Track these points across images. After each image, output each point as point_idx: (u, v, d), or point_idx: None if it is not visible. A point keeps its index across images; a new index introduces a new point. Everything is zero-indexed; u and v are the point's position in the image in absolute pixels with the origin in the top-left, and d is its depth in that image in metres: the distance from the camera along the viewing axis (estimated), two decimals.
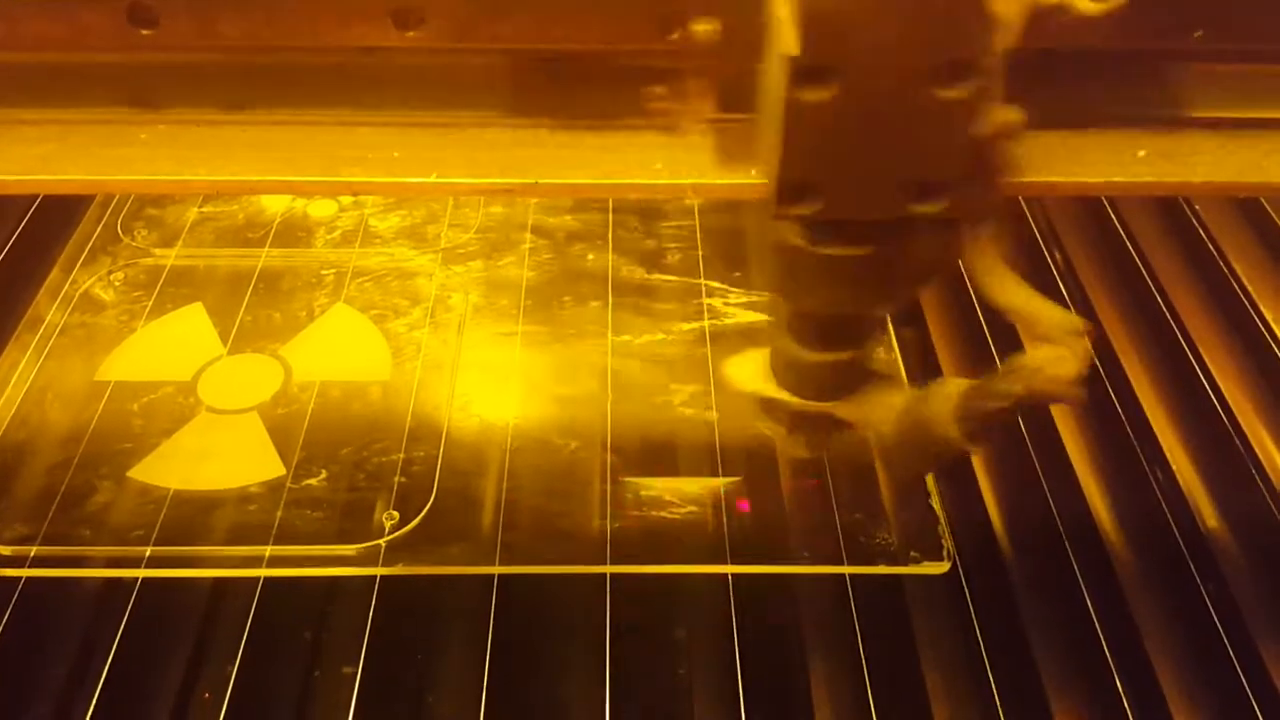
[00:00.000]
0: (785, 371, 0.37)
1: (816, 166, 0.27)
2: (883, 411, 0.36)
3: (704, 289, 0.71)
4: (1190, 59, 0.30)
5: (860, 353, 0.36)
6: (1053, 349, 0.30)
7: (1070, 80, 0.30)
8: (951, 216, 0.28)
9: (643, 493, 0.59)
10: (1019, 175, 0.30)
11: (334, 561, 0.55)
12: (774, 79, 0.26)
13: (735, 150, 0.30)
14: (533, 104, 0.31)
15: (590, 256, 0.74)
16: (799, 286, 0.33)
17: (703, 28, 0.27)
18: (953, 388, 0.33)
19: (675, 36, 0.28)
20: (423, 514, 0.57)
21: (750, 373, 0.38)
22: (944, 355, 0.67)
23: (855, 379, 0.37)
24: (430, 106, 0.31)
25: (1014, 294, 0.32)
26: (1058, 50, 0.28)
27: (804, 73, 0.25)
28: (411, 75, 0.30)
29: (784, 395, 0.38)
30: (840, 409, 0.37)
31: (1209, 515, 0.57)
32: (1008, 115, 0.26)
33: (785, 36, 0.24)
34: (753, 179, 0.29)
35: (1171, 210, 0.75)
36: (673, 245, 0.75)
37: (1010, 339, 0.67)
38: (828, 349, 0.35)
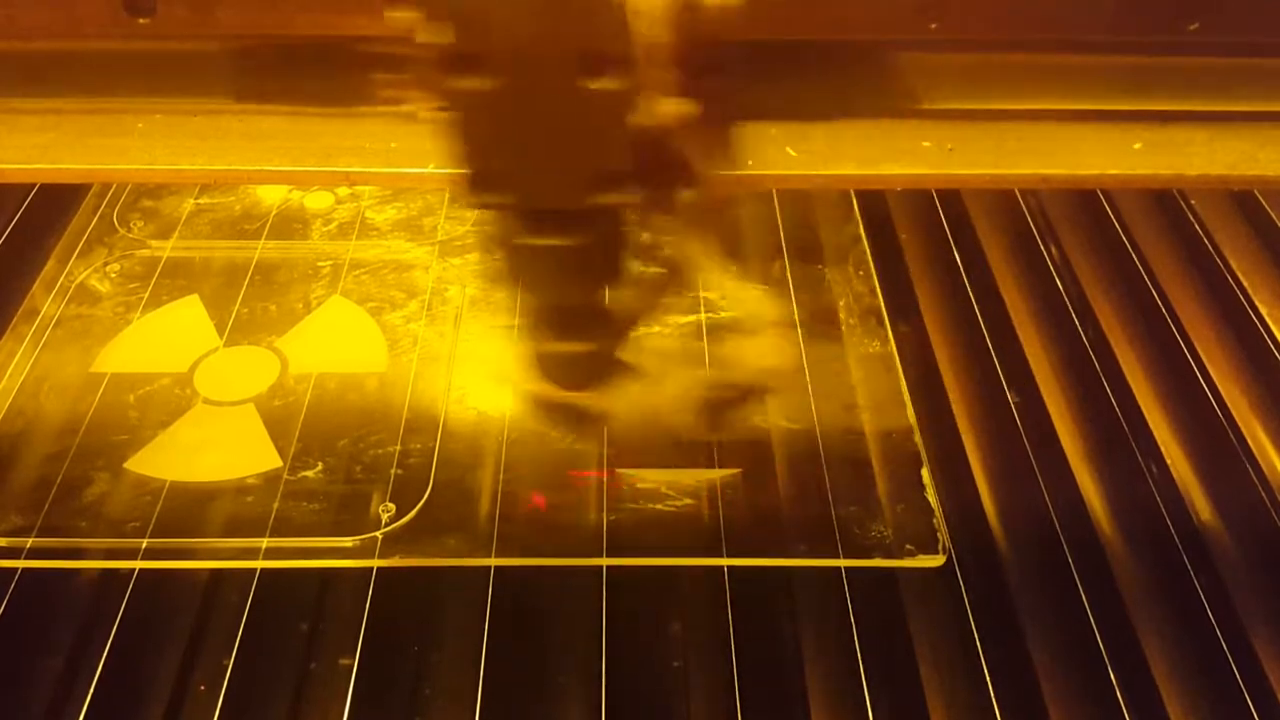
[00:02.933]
0: (538, 363, 0.38)
1: (495, 156, 0.27)
2: (623, 401, 0.37)
3: (700, 282, 0.71)
4: (1185, 52, 0.30)
5: (602, 342, 0.36)
6: (761, 339, 0.31)
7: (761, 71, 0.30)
8: (649, 206, 0.29)
9: (639, 485, 0.59)
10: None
11: (330, 553, 0.55)
12: (435, 68, 0.26)
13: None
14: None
15: None
16: (520, 278, 0.33)
17: (397, 14, 0.26)
18: (688, 379, 0.34)
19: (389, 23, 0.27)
20: (419, 506, 0.57)
21: (515, 364, 0.39)
22: (940, 349, 0.67)
23: (600, 369, 0.37)
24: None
25: (725, 283, 0.32)
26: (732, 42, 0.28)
27: (458, 61, 0.25)
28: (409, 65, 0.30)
29: (539, 386, 0.38)
30: (585, 400, 0.38)
31: (1203, 509, 0.58)
32: (669, 107, 0.27)
33: (439, 25, 0.25)
34: (424, 169, 0.29)
35: (1167, 204, 0.75)
36: (668, 237, 0.75)
37: (1007, 334, 0.67)
38: (566, 339, 0.36)
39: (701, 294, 0.70)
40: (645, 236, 0.32)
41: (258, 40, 0.29)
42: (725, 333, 0.68)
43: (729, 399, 0.32)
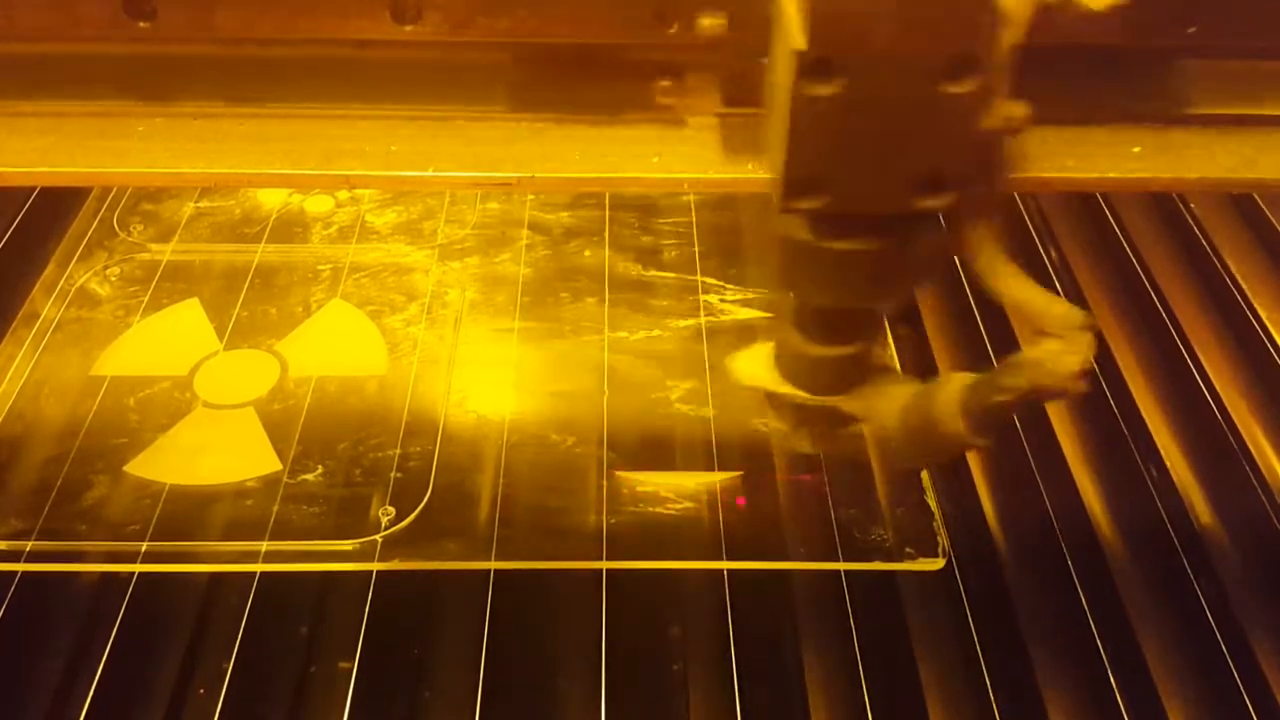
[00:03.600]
0: (790, 366, 0.37)
1: (823, 161, 0.27)
2: (887, 405, 0.36)
3: (700, 285, 0.71)
4: (1185, 55, 0.30)
5: (865, 347, 0.36)
6: (1055, 343, 0.30)
7: (1071, 76, 0.30)
8: (957, 211, 0.29)
9: (639, 488, 0.59)
10: (1021, 170, 0.30)
11: (330, 557, 0.55)
12: (781, 73, 0.26)
13: (737, 144, 0.30)
14: (532, 98, 0.31)
15: (587, 253, 0.74)
16: (804, 281, 0.33)
17: (708, 21, 0.27)
18: (957, 382, 0.33)
19: (674, 30, 0.28)
20: (419, 509, 0.57)
21: (755, 367, 0.38)
22: (940, 353, 0.67)
23: (859, 373, 0.37)
24: (428, 100, 0.31)
25: (1018, 288, 0.32)
26: (1058, 46, 0.28)
27: (811, 67, 0.25)
28: (409, 69, 0.30)
29: (789, 390, 0.38)
30: (845, 403, 0.37)
31: (1203, 512, 0.58)
32: (1013, 110, 0.27)
33: (793, 31, 0.24)
34: (751, 173, 0.29)
35: (1167, 207, 0.75)
36: (670, 242, 0.75)
37: (1006, 336, 0.67)
38: (833, 343, 0.36)
39: (701, 297, 0.70)
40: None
41: (527, 48, 0.29)
42: (724, 336, 0.68)
43: (1004, 403, 0.32)
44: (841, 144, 0.27)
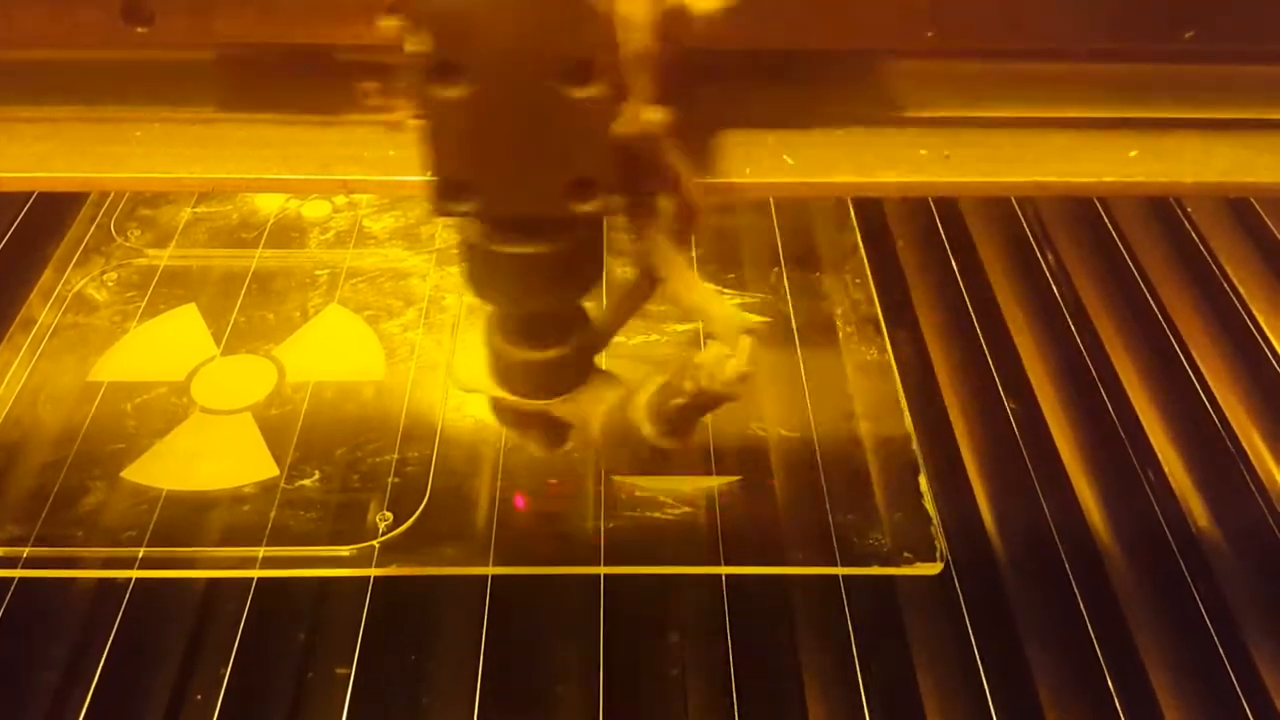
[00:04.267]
0: (501, 370, 0.37)
1: (468, 164, 0.27)
2: (593, 409, 0.37)
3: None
4: (1181, 60, 0.30)
5: (570, 349, 0.36)
6: (720, 347, 0.31)
7: (734, 80, 0.30)
8: (629, 214, 0.29)
9: (636, 493, 0.59)
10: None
11: (328, 562, 0.55)
12: (413, 76, 0.26)
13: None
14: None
15: None
16: (485, 284, 0.33)
17: (389, 23, 0.26)
18: (649, 386, 0.34)
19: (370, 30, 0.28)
20: (417, 514, 0.57)
21: (476, 371, 0.38)
22: (937, 357, 0.67)
23: (569, 376, 0.37)
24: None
25: (691, 293, 0.32)
26: (722, 51, 0.28)
27: (436, 70, 0.25)
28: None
29: (505, 394, 0.38)
30: (555, 407, 0.37)
31: (1201, 517, 0.58)
32: (655, 115, 0.27)
33: (418, 33, 0.24)
34: (422, 177, 0.30)
35: (1163, 212, 0.76)
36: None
37: (1004, 340, 0.67)
38: (533, 346, 0.36)
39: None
40: (622, 243, 0.32)
41: (251, 48, 0.29)
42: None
43: (681, 406, 0.32)
44: (483, 147, 0.27)
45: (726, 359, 0.30)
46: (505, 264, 0.31)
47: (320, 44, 0.28)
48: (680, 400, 0.32)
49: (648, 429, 0.34)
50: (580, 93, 0.25)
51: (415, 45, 0.25)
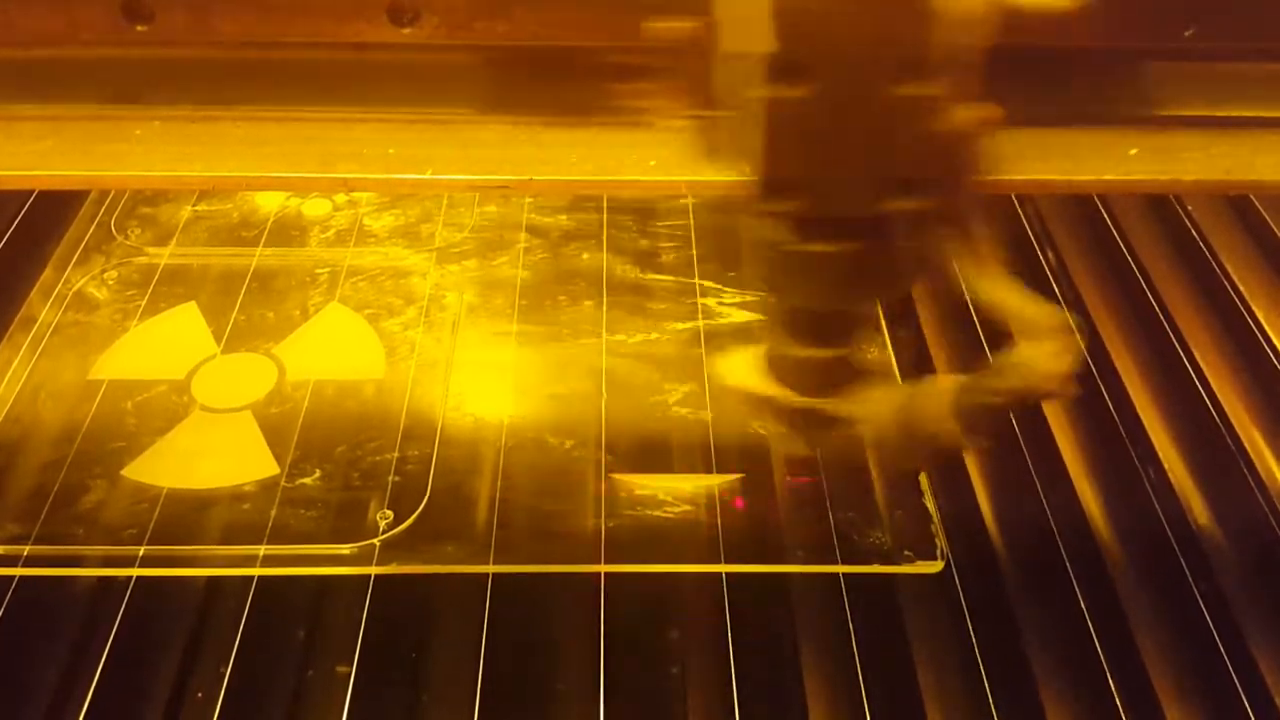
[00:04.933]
0: (779, 367, 0.37)
1: (796, 163, 0.28)
2: (877, 407, 0.36)
3: (698, 288, 0.71)
4: (1181, 57, 0.30)
5: (853, 348, 0.36)
6: (1043, 345, 0.30)
7: (1053, 77, 0.30)
8: (932, 213, 0.29)
9: (637, 492, 0.59)
10: (1002, 173, 0.30)
11: (328, 560, 0.55)
12: (752, 76, 0.26)
13: (719, 147, 0.30)
14: (528, 101, 0.31)
15: (585, 256, 0.74)
16: (787, 283, 0.33)
17: (678, 24, 0.27)
18: (946, 384, 0.34)
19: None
20: (417, 513, 0.57)
21: (743, 369, 0.38)
22: (938, 354, 0.67)
23: (849, 374, 0.37)
24: (425, 103, 0.31)
25: (1003, 291, 0.32)
26: (1040, 47, 0.28)
27: (780, 69, 0.25)
28: (407, 71, 0.30)
29: (778, 391, 0.38)
30: (836, 405, 0.37)
31: (1201, 514, 0.58)
32: (981, 112, 0.27)
33: (762, 33, 0.25)
34: (742, 176, 0.30)
35: (1164, 209, 0.76)
36: (667, 245, 0.75)
37: (1005, 337, 0.67)
38: (820, 344, 0.36)
39: (699, 300, 0.70)
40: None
41: (515, 51, 0.29)
42: (722, 339, 0.68)
43: (997, 404, 0.32)
44: (812, 146, 0.27)
45: (1052, 357, 0.30)
46: (810, 263, 0.31)
47: (584, 47, 0.29)
48: (998, 399, 0.32)
49: (951, 427, 0.33)
50: (914, 90, 0.26)
51: (758, 45, 0.25)
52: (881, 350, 0.67)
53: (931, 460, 0.53)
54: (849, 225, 0.30)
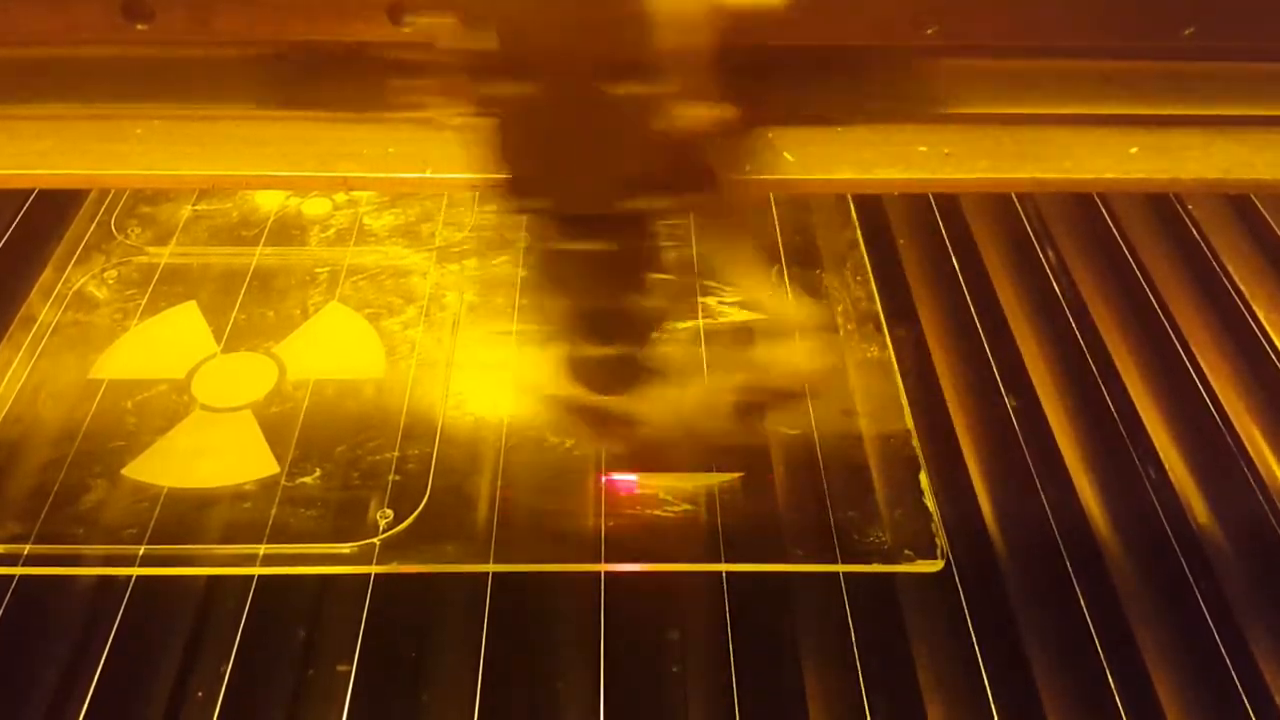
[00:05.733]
0: (573, 368, 0.38)
1: (534, 162, 0.28)
2: (659, 405, 0.37)
3: (699, 287, 0.71)
4: (1181, 57, 0.30)
5: (639, 348, 0.36)
6: (794, 343, 0.31)
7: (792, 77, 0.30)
8: (697, 210, 0.29)
9: (637, 490, 0.59)
10: (756, 173, 0.30)
11: (328, 559, 0.55)
12: (482, 75, 0.26)
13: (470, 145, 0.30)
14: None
15: None
16: (559, 281, 0.33)
17: (429, 20, 0.26)
18: (719, 382, 0.34)
19: (408, 30, 0.28)
20: (417, 512, 0.57)
21: (542, 371, 0.39)
22: (937, 353, 0.67)
23: (635, 373, 0.37)
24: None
25: (757, 289, 0.32)
26: (785, 48, 0.28)
27: (495, 66, 0.25)
28: (407, 70, 0.30)
29: (573, 391, 0.38)
30: (620, 403, 0.38)
31: (1201, 514, 0.58)
32: (707, 112, 0.27)
33: (482, 33, 0.25)
34: (491, 175, 0.30)
35: (1164, 208, 0.76)
36: (668, 243, 0.75)
37: (1004, 336, 0.67)
38: (603, 342, 0.36)
39: (700, 299, 0.70)
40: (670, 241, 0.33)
41: (270, 47, 0.29)
42: (726, 338, 0.68)
43: (762, 402, 0.33)
44: (548, 147, 0.27)
45: (802, 355, 0.31)
46: (566, 261, 0.31)
47: (353, 42, 0.29)
48: (749, 396, 0.32)
49: (710, 424, 0.34)
50: (622, 89, 0.26)
51: (467, 42, 0.25)
52: (881, 349, 0.67)
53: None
54: (606, 223, 0.30)
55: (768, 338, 0.31)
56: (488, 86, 0.26)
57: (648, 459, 0.58)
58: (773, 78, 0.30)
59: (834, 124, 0.31)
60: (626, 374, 0.37)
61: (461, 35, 0.25)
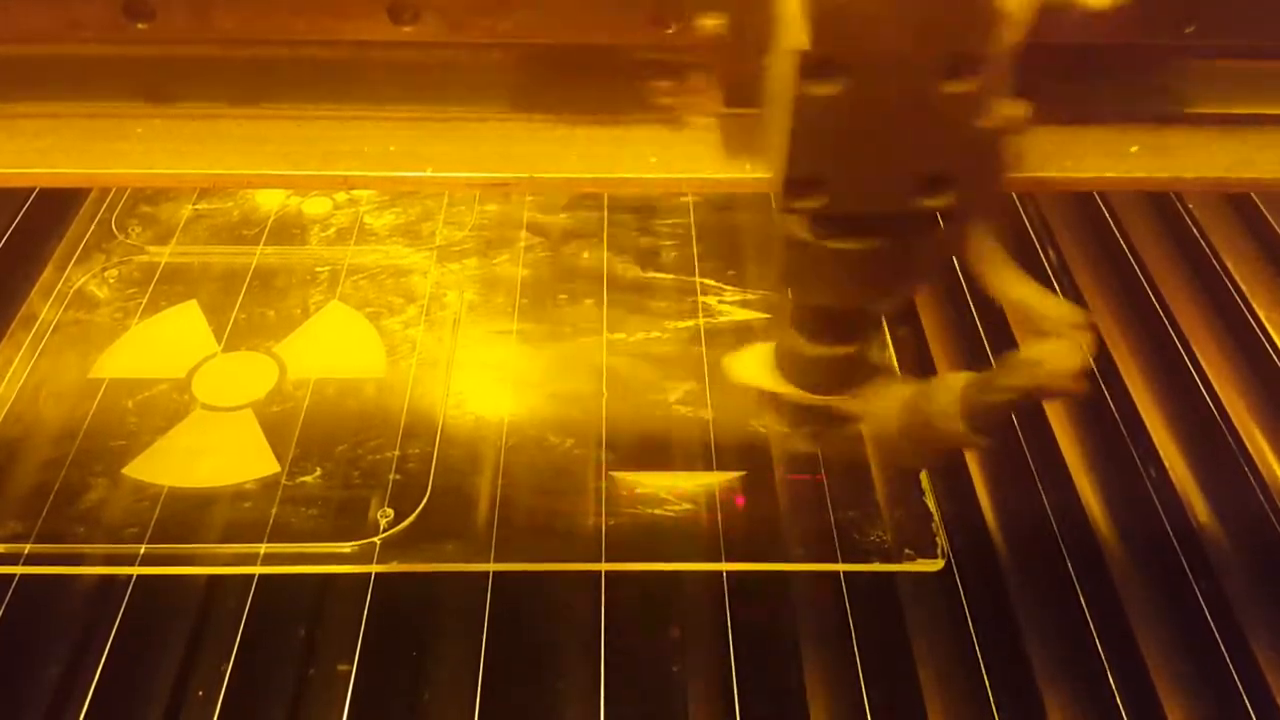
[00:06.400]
0: (789, 365, 0.37)
1: (824, 161, 0.27)
2: (884, 405, 0.36)
3: (699, 287, 0.71)
4: (1183, 55, 0.30)
5: (863, 346, 0.36)
6: (1055, 342, 0.30)
7: (1071, 75, 0.30)
8: (957, 210, 0.29)
9: (638, 490, 0.59)
10: (1020, 170, 0.30)
11: (329, 559, 0.55)
12: (782, 73, 0.26)
13: (736, 145, 0.30)
14: (529, 99, 0.31)
15: (585, 254, 0.74)
16: (805, 280, 0.33)
17: (709, 22, 0.27)
18: (955, 382, 0.33)
19: (672, 30, 0.28)
20: (418, 511, 0.57)
21: (752, 367, 0.38)
22: (938, 353, 0.67)
23: (857, 373, 0.37)
24: (426, 101, 0.31)
25: (1016, 287, 0.32)
26: (1059, 45, 0.28)
27: (813, 67, 0.25)
28: (408, 69, 0.30)
29: (787, 389, 0.38)
30: (843, 403, 0.37)
31: (1201, 513, 0.58)
32: (1013, 109, 0.27)
33: (795, 31, 0.24)
34: (750, 174, 0.29)
35: (1165, 207, 0.76)
36: (668, 243, 0.75)
37: (1004, 336, 0.67)
38: (832, 343, 0.36)
39: (699, 299, 0.70)
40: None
41: (526, 48, 0.29)
42: (723, 337, 0.68)
43: (1003, 403, 0.32)
44: (842, 144, 0.27)
45: (1064, 354, 0.30)
46: (832, 260, 0.31)
47: (609, 45, 0.29)
48: (1006, 396, 0.32)
49: (957, 425, 0.33)
50: (957, 87, 0.25)
51: (795, 43, 0.24)
52: (882, 350, 0.67)
53: (934, 459, 0.53)
54: (875, 222, 0.29)
55: (1031, 336, 0.31)
56: (801, 86, 0.25)
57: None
58: (1071, 76, 0.30)
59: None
60: (850, 372, 0.37)
61: (785, 34, 0.25)
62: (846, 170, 0.27)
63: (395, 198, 0.78)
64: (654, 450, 0.61)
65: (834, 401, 0.37)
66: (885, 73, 0.25)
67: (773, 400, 0.39)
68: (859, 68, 0.25)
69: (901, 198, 0.28)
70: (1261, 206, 0.73)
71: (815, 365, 0.36)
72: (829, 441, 0.40)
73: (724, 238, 0.75)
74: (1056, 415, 0.62)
